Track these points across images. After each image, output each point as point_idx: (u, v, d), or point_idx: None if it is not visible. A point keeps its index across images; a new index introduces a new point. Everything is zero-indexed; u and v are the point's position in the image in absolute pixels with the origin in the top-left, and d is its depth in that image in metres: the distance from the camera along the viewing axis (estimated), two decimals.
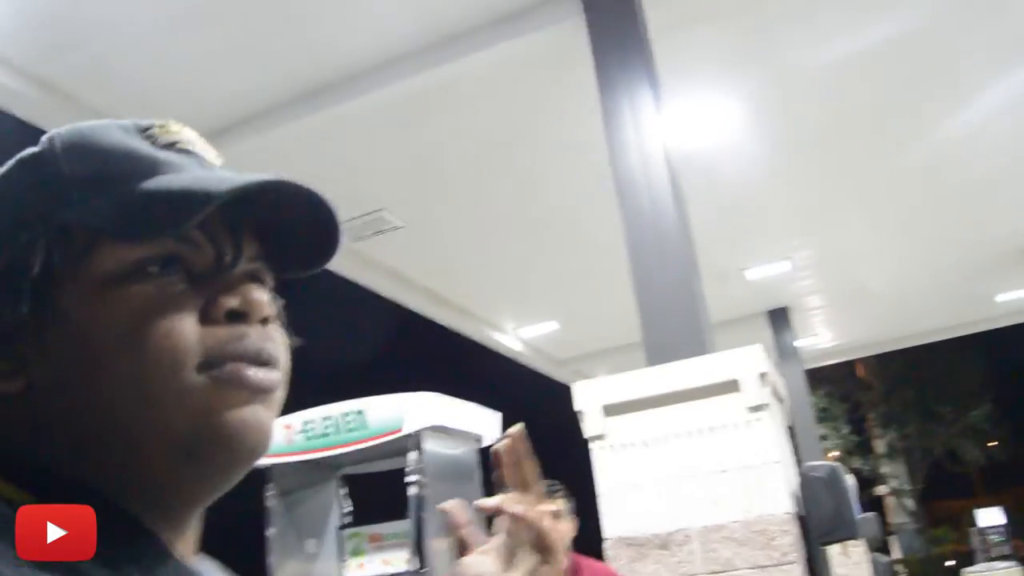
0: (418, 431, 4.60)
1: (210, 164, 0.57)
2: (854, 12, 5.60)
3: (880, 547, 12.84)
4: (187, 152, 0.56)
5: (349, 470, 5.25)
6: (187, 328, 0.51)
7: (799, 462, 3.91)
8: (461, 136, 6.49)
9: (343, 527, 5.08)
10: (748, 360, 3.85)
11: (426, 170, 6.88)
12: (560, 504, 2.83)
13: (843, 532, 3.67)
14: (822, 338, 13.02)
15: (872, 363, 24.04)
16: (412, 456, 4.57)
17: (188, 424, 0.51)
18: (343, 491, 5.28)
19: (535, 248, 8.37)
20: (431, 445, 4.67)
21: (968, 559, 15.99)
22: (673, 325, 4.44)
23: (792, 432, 5.60)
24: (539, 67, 5.72)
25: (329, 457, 4.84)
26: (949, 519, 26.28)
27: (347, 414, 4.73)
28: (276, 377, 0.55)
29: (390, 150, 6.49)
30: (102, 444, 0.51)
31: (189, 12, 4.88)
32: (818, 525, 3.69)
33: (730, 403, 3.85)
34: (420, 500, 4.53)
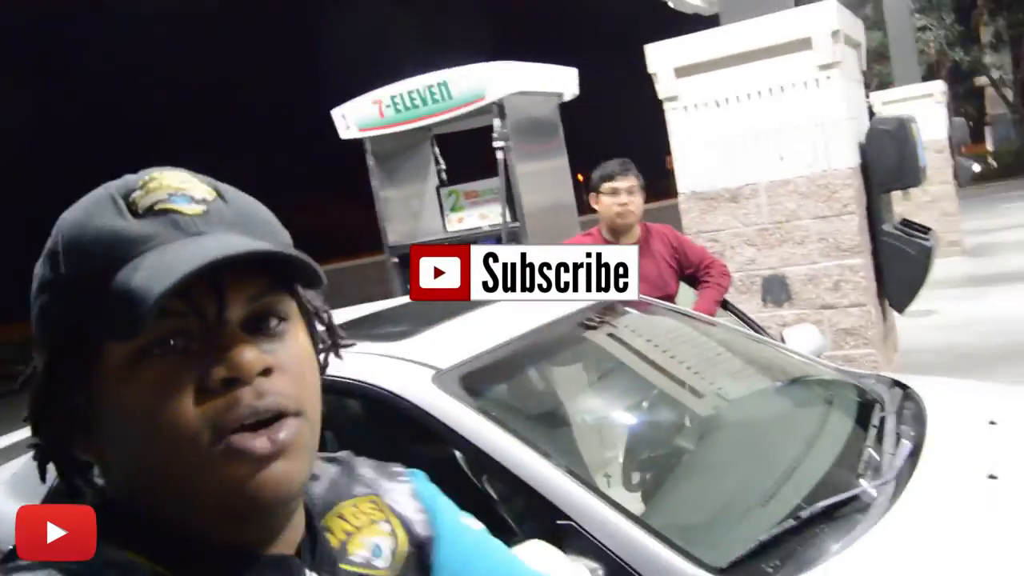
0: (500, 98, 4.82)
1: (186, 219, 0.57)
2: None
3: (966, 147, 12.87)
4: (162, 213, 0.57)
5: (439, 130, 5.59)
6: (189, 408, 0.54)
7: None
8: None
9: (440, 185, 5.57)
10: (820, 17, 3.81)
11: None
12: (634, 180, 3.11)
13: (905, 181, 3.89)
14: None
15: None
16: (496, 123, 4.84)
17: (215, 495, 0.55)
18: (435, 150, 5.69)
19: None
20: (514, 109, 4.91)
21: None
22: None
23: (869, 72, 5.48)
24: None
25: (419, 128, 5.18)
26: None
27: (431, 86, 4.95)
28: (283, 435, 0.56)
29: None
30: (159, 506, 0.57)
31: None
32: (882, 175, 3.92)
33: (801, 61, 3.90)
34: (507, 161, 4.90)
